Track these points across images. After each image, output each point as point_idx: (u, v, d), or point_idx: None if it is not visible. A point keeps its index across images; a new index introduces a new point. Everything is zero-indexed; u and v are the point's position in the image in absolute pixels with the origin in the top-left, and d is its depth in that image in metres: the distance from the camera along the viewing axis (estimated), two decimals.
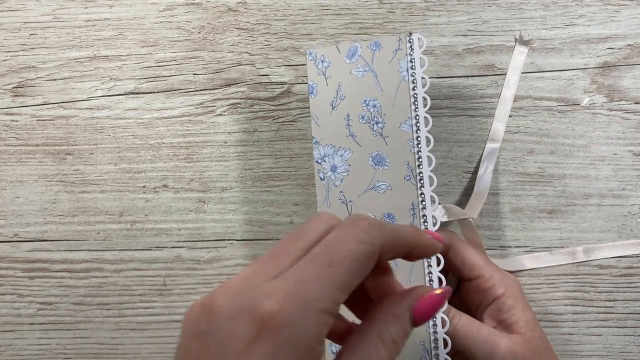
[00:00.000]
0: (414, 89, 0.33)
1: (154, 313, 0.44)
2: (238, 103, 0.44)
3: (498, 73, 0.43)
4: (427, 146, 0.33)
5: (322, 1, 0.44)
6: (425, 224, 0.33)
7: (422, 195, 0.33)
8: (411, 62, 0.34)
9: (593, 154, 0.43)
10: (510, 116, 0.43)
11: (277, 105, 0.44)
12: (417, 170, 0.33)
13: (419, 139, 0.33)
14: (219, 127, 0.44)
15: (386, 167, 0.35)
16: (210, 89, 0.44)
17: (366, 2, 0.44)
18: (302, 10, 0.44)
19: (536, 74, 0.43)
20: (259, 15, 0.44)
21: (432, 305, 0.23)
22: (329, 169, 0.38)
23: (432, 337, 0.32)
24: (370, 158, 0.36)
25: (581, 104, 0.43)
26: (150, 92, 0.44)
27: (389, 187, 0.35)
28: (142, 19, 0.44)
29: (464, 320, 0.33)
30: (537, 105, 0.43)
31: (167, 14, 0.44)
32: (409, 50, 0.34)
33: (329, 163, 0.38)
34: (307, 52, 0.38)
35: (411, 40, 0.34)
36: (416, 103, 0.33)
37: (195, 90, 0.44)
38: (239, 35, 0.44)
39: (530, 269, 0.43)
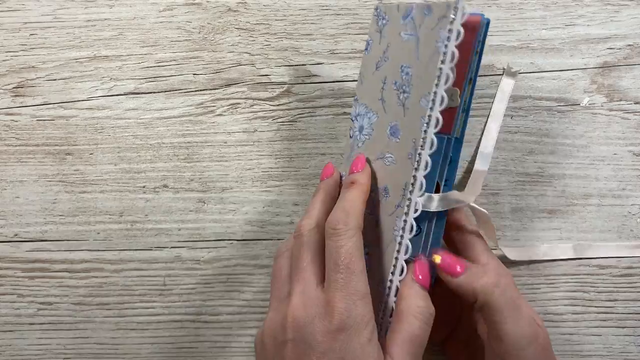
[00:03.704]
0: (442, 63, 0.29)
1: (154, 313, 0.44)
2: (238, 103, 0.44)
3: (498, 73, 0.43)
4: (435, 127, 0.30)
5: (322, 1, 0.44)
6: (408, 207, 0.31)
7: (414, 178, 0.31)
8: (449, 32, 0.29)
9: (593, 154, 0.43)
10: (510, 116, 0.43)
11: (277, 105, 0.44)
12: (418, 151, 0.31)
13: (430, 117, 0.30)
14: (219, 127, 0.44)
15: (397, 140, 0.33)
16: (210, 89, 0.44)
17: (366, 2, 0.44)
18: (302, 10, 0.44)
19: (536, 74, 0.43)
20: (259, 15, 0.44)
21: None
22: (357, 128, 0.37)
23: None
24: (389, 127, 0.34)
25: (581, 104, 0.43)
26: (150, 92, 0.44)
27: (394, 162, 0.33)
28: (142, 19, 0.44)
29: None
30: (537, 105, 0.43)
31: (167, 14, 0.44)
32: (451, 20, 0.29)
33: (359, 123, 0.37)
34: (375, 7, 0.36)
35: (456, 8, 0.29)
36: (440, 78, 0.29)
37: (195, 90, 0.44)
38: (239, 35, 0.44)
39: (530, 270, 0.43)
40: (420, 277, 0.31)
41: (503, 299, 0.31)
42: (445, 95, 0.29)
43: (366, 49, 0.37)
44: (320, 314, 0.28)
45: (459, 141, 0.34)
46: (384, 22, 0.35)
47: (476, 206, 0.34)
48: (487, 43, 0.43)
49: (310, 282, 0.29)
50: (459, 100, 0.32)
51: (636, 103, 0.43)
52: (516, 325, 0.31)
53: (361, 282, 0.28)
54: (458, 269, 0.32)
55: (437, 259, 0.32)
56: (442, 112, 0.30)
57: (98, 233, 0.44)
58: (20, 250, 0.45)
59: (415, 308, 0.29)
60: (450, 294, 0.33)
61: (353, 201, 0.31)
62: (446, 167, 0.33)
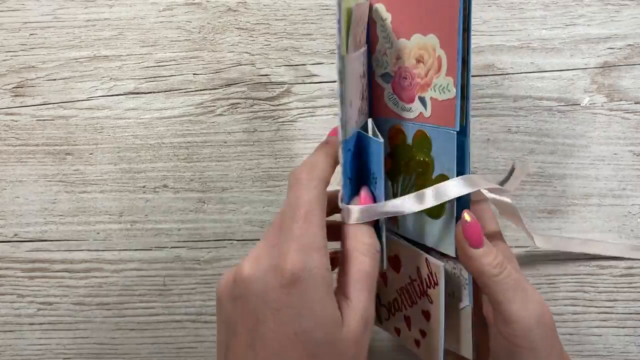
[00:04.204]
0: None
1: (154, 313, 0.44)
2: (238, 103, 0.44)
3: (498, 73, 0.43)
4: (347, 125, 0.29)
5: (322, 1, 0.44)
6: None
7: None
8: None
9: (593, 154, 0.43)
10: (511, 116, 0.43)
11: (277, 105, 0.44)
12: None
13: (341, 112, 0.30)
14: (219, 127, 0.44)
15: None
16: (210, 89, 0.44)
17: None
18: (302, 10, 0.44)
19: (536, 74, 0.43)
20: (259, 15, 0.44)
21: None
22: None
23: None
24: None
25: (581, 104, 0.43)
26: (150, 92, 0.44)
27: None
28: (142, 19, 0.44)
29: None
30: (537, 105, 0.43)
31: (167, 14, 0.44)
32: None
33: None
34: None
35: None
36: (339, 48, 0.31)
37: (195, 90, 0.44)
38: (239, 35, 0.44)
39: (530, 270, 0.43)
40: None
41: (509, 279, 0.30)
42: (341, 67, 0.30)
43: None
44: (272, 267, 0.26)
45: (464, 131, 0.32)
46: None
47: (498, 197, 0.33)
48: (487, 43, 0.43)
49: (275, 236, 0.27)
50: (455, 90, 0.31)
51: (636, 103, 0.43)
52: (523, 305, 0.30)
53: (319, 235, 0.26)
54: (482, 240, 0.30)
55: (468, 217, 0.30)
56: (440, 105, 0.29)
57: (98, 233, 0.44)
58: (20, 250, 0.45)
59: (362, 246, 0.28)
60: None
61: (321, 156, 0.30)
62: (454, 159, 0.32)
